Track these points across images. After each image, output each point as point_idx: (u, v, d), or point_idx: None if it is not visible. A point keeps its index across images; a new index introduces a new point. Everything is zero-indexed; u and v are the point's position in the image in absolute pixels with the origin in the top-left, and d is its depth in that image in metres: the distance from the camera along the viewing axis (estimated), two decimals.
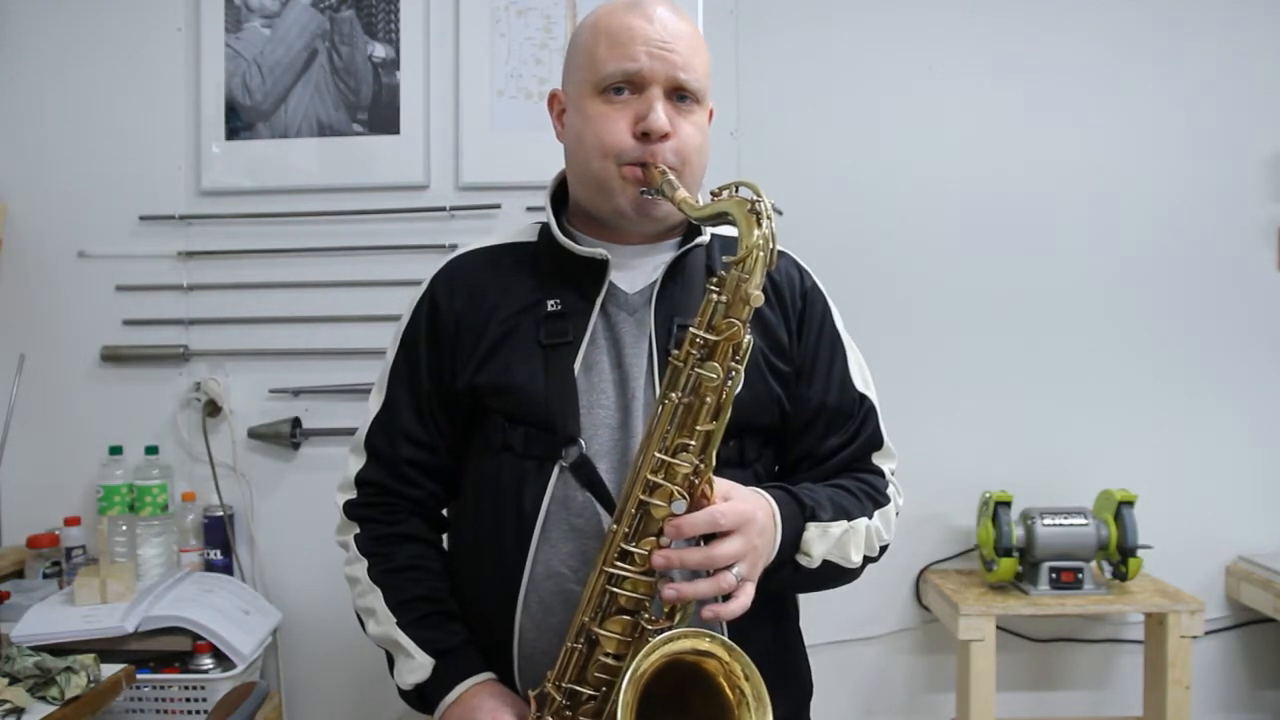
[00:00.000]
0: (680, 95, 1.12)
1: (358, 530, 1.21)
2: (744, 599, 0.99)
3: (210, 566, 2.11)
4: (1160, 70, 2.18)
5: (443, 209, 2.14)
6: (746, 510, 1.01)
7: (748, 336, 0.99)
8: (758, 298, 0.98)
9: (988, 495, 2.08)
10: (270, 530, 2.18)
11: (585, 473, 1.10)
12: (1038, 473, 2.16)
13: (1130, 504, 2.02)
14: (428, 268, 2.21)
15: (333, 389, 2.16)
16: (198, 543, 2.12)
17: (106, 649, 1.70)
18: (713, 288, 1.00)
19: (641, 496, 0.99)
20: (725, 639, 0.99)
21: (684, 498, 0.98)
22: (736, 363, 0.99)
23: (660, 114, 1.09)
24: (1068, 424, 2.19)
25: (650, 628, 0.99)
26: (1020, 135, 2.19)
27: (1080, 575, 2.02)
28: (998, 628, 1.98)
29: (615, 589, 1.00)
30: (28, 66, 2.17)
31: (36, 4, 2.17)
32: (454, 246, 2.14)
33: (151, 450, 2.12)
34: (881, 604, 2.21)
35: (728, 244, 1.20)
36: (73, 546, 2.06)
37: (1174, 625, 1.94)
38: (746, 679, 0.98)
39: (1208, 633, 2.09)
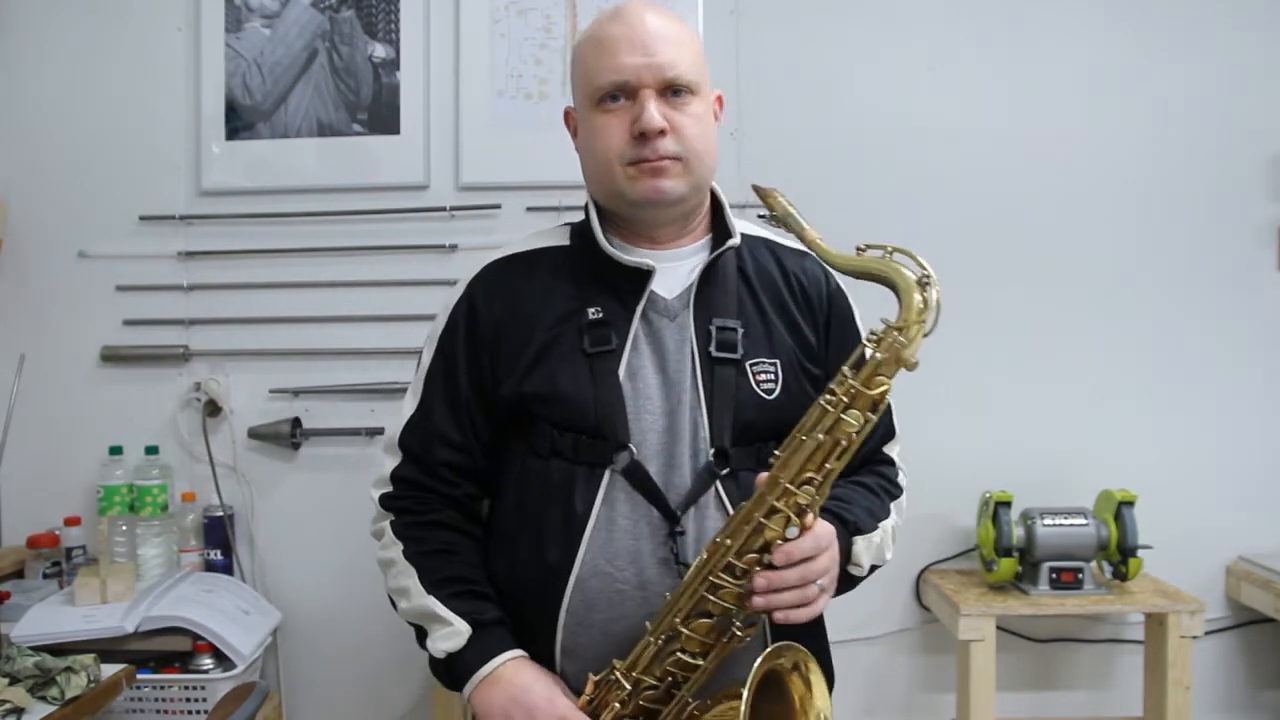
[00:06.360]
0: (674, 91, 1.15)
1: (393, 518, 1.24)
2: (817, 607, 1.08)
3: (210, 566, 2.11)
4: (1160, 70, 2.18)
5: (443, 209, 2.14)
6: (830, 531, 1.09)
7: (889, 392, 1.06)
8: (914, 365, 1.03)
9: (988, 495, 2.08)
10: (270, 530, 2.18)
11: (639, 478, 1.13)
12: (1038, 473, 2.16)
13: (1130, 504, 2.02)
14: (428, 268, 2.23)
15: (333, 389, 2.16)
16: (198, 543, 2.12)
17: (106, 649, 1.70)
18: (870, 342, 1.04)
19: (761, 519, 1.04)
20: (807, 651, 1.08)
21: (797, 525, 1.05)
22: (872, 413, 1.04)
23: (652, 113, 1.12)
24: (1068, 424, 2.19)
25: (740, 634, 1.07)
26: (1020, 134, 2.18)
27: (1080, 575, 2.02)
28: (998, 628, 1.98)
29: (711, 596, 1.05)
30: (28, 66, 2.17)
31: (37, 4, 2.17)
32: (454, 246, 2.15)
33: (151, 450, 2.12)
34: (881, 604, 2.21)
35: (756, 245, 1.25)
36: (73, 546, 2.07)
37: (1174, 625, 1.94)
38: (811, 672, 1.09)
39: (1208, 633, 2.09)
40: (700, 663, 1.07)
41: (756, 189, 1.13)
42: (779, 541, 1.04)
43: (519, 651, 1.15)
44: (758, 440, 1.16)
